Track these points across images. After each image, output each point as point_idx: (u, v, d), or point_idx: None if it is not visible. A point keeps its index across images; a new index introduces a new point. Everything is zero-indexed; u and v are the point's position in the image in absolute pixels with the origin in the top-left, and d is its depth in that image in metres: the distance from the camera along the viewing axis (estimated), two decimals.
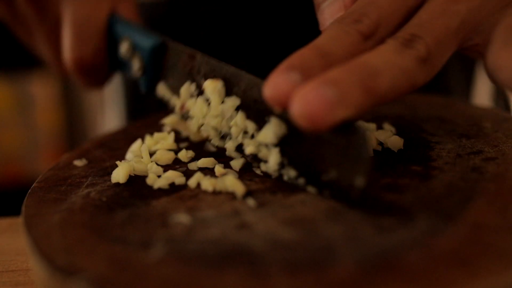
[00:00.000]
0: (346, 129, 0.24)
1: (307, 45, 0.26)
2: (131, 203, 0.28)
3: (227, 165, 0.31)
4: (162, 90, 0.34)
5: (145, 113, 0.58)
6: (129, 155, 0.33)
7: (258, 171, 0.30)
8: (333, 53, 0.25)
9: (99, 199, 0.28)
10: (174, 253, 0.23)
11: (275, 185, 0.28)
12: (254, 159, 0.29)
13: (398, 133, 0.32)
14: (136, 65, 0.35)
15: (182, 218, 0.26)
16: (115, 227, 0.26)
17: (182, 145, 0.34)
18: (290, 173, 0.28)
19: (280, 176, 0.29)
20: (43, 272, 0.24)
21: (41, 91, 1.50)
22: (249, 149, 0.29)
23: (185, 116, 0.33)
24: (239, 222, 0.25)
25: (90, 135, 1.56)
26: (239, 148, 0.30)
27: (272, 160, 0.28)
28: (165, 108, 0.35)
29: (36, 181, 0.31)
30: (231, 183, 0.28)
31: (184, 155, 0.32)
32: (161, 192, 0.29)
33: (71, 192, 0.30)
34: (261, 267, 0.22)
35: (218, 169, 0.30)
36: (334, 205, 0.26)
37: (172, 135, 0.34)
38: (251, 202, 0.27)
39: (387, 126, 0.33)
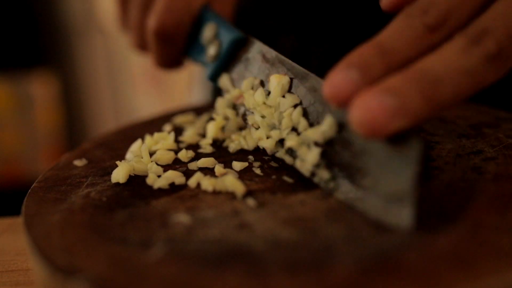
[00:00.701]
0: (401, 140, 0.24)
1: (368, 40, 0.25)
2: (131, 203, 0.28)
3: (227, 165, 0.31)
4: (224, 80, 0.36)
5: None
6: (129, 155, 0.33)
7: (258, 171, 0.30)
8: (395, 51, 0.24)
9: (99, 199, 0.28)
10: (174, 253, 0.23)
11: (275, 185, 0.28)
12: (290, 153, 0.30)
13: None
14: (212, 51, 0.37)
15: (182, 218, 0.26)
16: (115, 227, 0.26)
17: (182, 145, 0.34)
18: (323, 175, 0.28)
19: (312, 175, 0.28)
20: (43, 272, 0.24)
21: (41, 91, 1.50)
22: (289, 143, 0.29)
23: (236, 107, 0.34)
24: (239, 222, 0.25)
25: (90, 135, 1.56)
26: (280, 140, 0.31)
27: (310, 159, 0.28)
28: None
29: (36, 181, 0.31)
30: (231, 183, 0.28)
31: (184, 155, 0.32)
32: (161, 192, 0.29)
33: (71, 192, 0.30)
34: (261, 267, 0.22)
35: (218, 169, 0.30)
36: (334, 205, 0.26)
37: (172, 135, 0.34)
38: (251, 202, 0.27)
39: None
